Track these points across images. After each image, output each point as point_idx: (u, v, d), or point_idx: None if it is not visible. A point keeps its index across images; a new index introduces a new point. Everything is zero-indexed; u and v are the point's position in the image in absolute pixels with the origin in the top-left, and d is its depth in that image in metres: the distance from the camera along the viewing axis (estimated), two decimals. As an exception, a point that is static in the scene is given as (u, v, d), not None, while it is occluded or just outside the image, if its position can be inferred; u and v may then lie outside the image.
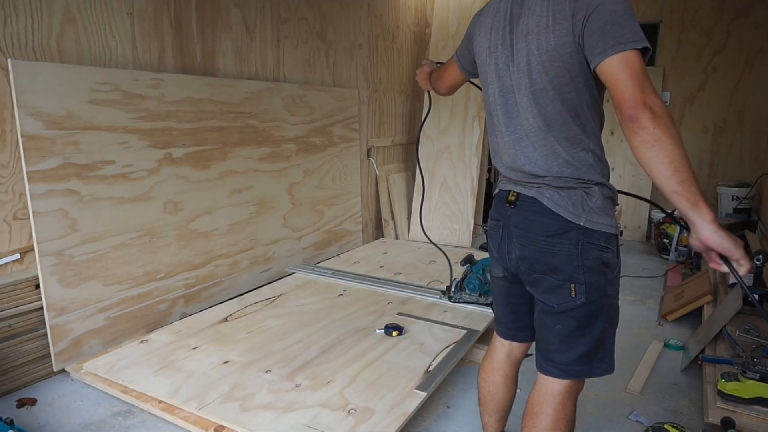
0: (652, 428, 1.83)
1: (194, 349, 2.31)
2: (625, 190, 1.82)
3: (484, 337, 2.67)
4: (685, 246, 4.30)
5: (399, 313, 2.73)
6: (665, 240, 4.55)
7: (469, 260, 2.88)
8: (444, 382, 2.28)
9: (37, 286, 2.22)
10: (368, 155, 4.57)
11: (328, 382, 2.05)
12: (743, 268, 1.09)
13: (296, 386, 2.02)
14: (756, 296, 2.52)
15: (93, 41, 2.40)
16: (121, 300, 2.53)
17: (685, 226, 1.19)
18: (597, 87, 1.26)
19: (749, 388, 1.96)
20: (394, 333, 2.46)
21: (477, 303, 2.81)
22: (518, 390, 2.15)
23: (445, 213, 4.64)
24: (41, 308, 2.24)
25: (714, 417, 1.93)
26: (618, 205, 4.59)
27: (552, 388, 1.40)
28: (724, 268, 1.12)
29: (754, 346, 2.32)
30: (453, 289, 2.88)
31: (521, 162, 1.36)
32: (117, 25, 2.49)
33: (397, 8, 4.81)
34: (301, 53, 3.69)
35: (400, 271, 3.50)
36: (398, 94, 5.03)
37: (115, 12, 2.47)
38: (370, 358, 2.25)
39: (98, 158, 2.40)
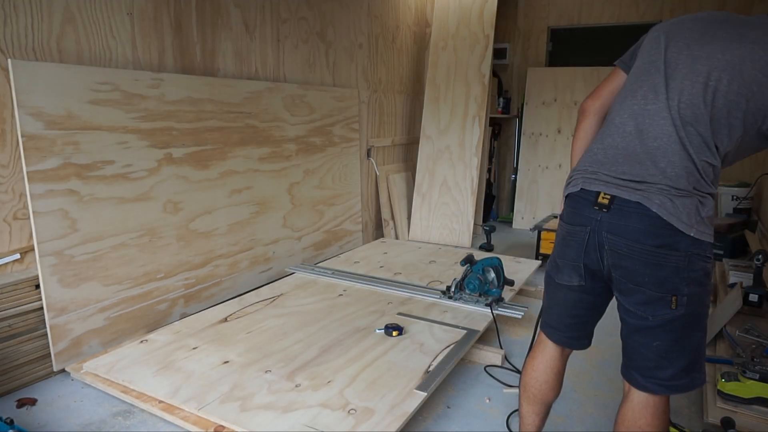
0: (652, 428, 1.83)
1: (194, 349, 2.31)
2: None
3: (484, 338, 2.67)
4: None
5: (399, 313, 2.73)
6: (665, 240, 4.54)
7: (469, 260, 2.88)
8: (444, 382, 2.29)
9: (37, 286, 2.22)
10: (368, 155, 4.57)
11: (328, 382, 2.05)
12: None
13: (296, 386, 2.02)
14: (756, 296, 2.51)
15: (93, 41, 2.40)
16: (121, 300, 2.53)
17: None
18: None
19: (749, 388, 1.96)
20: (394, 333, 2.46)
21: (477, 303, 2.81)
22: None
23: (445, 213, 4.64)
24: (41, 308, 2.24)
25: (714, 417, 1.93)
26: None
27: (652, 402, 1.34)
28: None
29: (754, 346, 2.32)
30: (453, 289, 2.88)
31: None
32: (117, 25, 2.49)
33: (397, 8, 4.81)
34: (301, 53, 3.69)
35: (400, 271, 3.50)
36: (398, 94, 5.03)
37: (115, 12, 2.47)
38: (370, 358, 2.25)
39: (98, 158, 2.40)
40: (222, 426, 1.82)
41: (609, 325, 3.08)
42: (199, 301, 2.95)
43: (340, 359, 2.24)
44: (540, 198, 5.64)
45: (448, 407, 2.16)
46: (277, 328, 2.53)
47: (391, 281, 3.24)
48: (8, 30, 2.10)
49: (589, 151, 1.42)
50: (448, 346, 2.36)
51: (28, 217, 2.19)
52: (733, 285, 3.07)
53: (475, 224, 4.81)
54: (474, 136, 4.61)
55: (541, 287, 3.53)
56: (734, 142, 1.27)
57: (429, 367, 2.17)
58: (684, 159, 1.24)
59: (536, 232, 4.16)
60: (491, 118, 5.56)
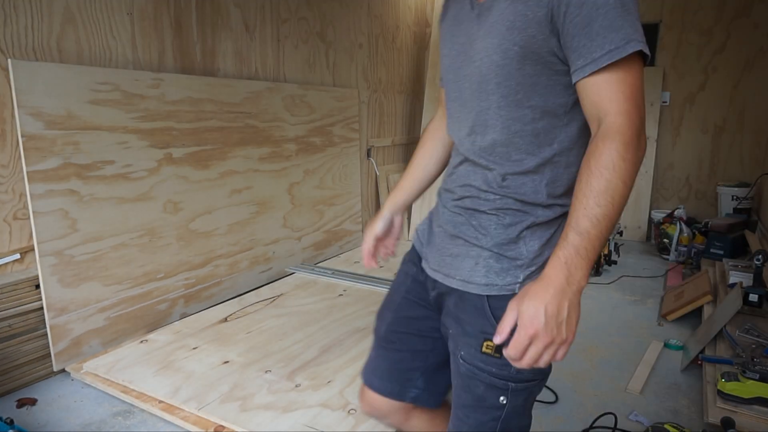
0: (652, 428, 1.83)
1: (194, 349, 2.31)
2: None
3: (484, 337, 2.67)
4: (685, 246, 4.30)
5: (399, 313, 2.73)
6: (665, 240, 4.54)
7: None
8: (444, 382, 2.29)
9: (37, 286, 2.22)
10: (368, 155, 4.57)
11: (328, 382, 2.05)
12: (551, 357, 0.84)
13: (296, 386, 2.02)
14: (756, 296, 2.51)
15: (93, 41, 2.40)
16: (121, 300, 2.53)
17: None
18: None
19: (749, 388, 1.96)
20: (394, 333, 2.46)
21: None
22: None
23: (445, 213, 4.63)
24: (41, 308, 2.24)
25: (714, 417, 1.93)
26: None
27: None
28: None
29: (754, 346, 2.32)
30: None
31: None
32: (117, 25, 2.49)
33: (397, 8, 4.81)
34: (301, 53, 3.69)
35: (400, 271, 3.49)
36: (398, 94, 5.03)
37: (115, 12, 2.47)
38: (370, 358, 2.25)
39: (98, 158, 2.40)
40: (222, 426, 1.82)
41: (609, 325, 3.09)
42: (199, 301, 2.95)
43: (340, 359, 2.24)
44: (540, 198, 5.63)
45: (448, 407, 2.15)
46: (277, 328, 2.53)
47: (391, 281, 3.24)
48: (8, 30, 2.10)
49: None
50: (448, 346, 2.35)
51: (28, 217, 2.19)
52: (733, 285, 3.07)
53: (475, 224, 4.81)
54: (474, 136, 4.60)
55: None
56: None
57: (429, 367, 2.17)
58: None
59: (536, 232, 4.16)
60: (491, 118, 5.55)
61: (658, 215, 4.88)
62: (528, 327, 0.82)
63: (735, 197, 4.63)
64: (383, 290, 3.09)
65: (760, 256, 2.89)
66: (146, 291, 2.64)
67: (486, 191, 1.02)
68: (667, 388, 2.35)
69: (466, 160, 1.07)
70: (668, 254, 4.47)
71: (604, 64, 0.84)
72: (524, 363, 0.83)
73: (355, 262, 3.65)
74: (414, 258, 1.27)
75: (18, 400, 2.11)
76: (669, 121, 5.18)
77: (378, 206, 4.80)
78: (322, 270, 3.41)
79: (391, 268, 3.52)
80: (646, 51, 0.85)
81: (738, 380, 1.98)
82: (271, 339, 2.41)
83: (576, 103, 0.94)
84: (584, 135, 0.97)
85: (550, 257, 0.87)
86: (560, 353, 0.83)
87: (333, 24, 3.97)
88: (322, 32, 3.87)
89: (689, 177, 5.17)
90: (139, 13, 2.58)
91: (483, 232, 1.02)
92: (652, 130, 5.13)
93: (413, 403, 1.23)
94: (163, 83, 2.67)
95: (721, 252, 3.93)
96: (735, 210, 4.58)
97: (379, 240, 1.39)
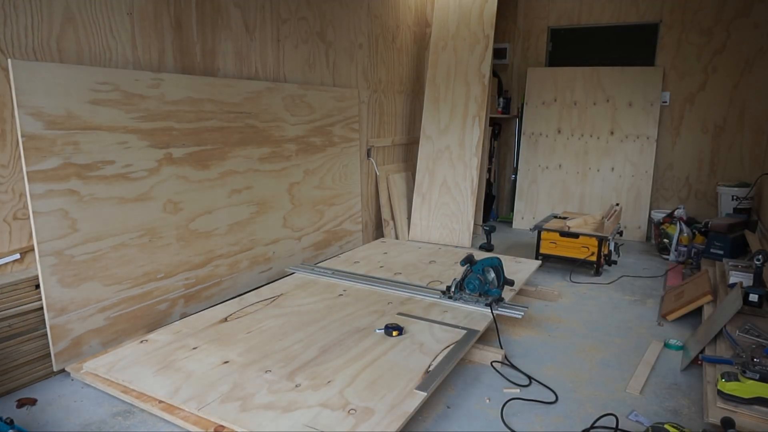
0: (652, 428, 1.83)
1: (194, 349, 2.31)
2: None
3: (484, 337, 2.67)
4: (685, 246, 4.30)
5: (399, 313, 2.73)
6: (665, 240, 4.55)
7: (469, 260, 2.88)
8: (444, 382, 2.29)
9: (37, 286, 2.22)
10: (368, 155, 4.57)
11: (328, 382, 2.05)
12: None
13: (296, 386, 2.02)
14: (756, 296, 2.52)
15: (93, 41, 2.40)
16: (121, 300, 2.53)
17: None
18: None
19: (749, 388, 1.96)
20: (394, 333, 2.46)
21: (477, 303, 2.81)
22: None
23: (445, 213, 4.64)
24: (41, 308, 2.24)
25: (714, 417, 1.93)
26: (618, 204, 4.60)
27: None
28: None
29: (754, 346, 2.32)
30: (453, 289, 2.88)
31: None
32: (117, 25, 2.49)
33: (397, 8, 4.81)
34: (301, 53, 3.69)
35: (400, 271, 3.50)
36: (398, 94, 5.03)
37: (115, 12, 2.47)
38: (370, 358, 2.25)
39: (98, 158, 2.40)
40: (222, 426, 1.82)
41: (609, 325, 3.09)
42: (199, 301, 2.95)
43: (340, 359, 2.24)
44: (540, 198, 5.64)
45: (448, 407, 2.16)
46: (277, 328, 2.53)
47: (391, 281, 3.24)
48: (8, 30, 2.10)
49: None
50: (448, 346, 2.36)
51: (28, 217, 2.19)
52: (733, 285, 3.07)
53: (475, 224, 4.81)
54: (474, 136, 4.61)
55: (542, 287, 3.55)
56: None
57: (429, 367, 2.17)
58: None
59: (536, 232, 4.17)
60: (491, 118, 5.56)
61: (658, 215, 4.88)
62: None
63: (735, 197, 4.63)
64: (383, 290, 3.09)
65: (760, 256, 2.89)
66: (146, 291, 2.64)
67: None
68: (667, 388, 2.35)
69: None
70: (668, 254, 4.47)
71: None
72: None
73: (355, 262, 3.65)
74: None
75: (18, 400, 2.11)
76: (669, 121, 5.18)
77: (378, 206, 4.80)
78: (322, 270, 3.41)
79: (391, 268, 3.53)
80: None
81: (738, 380, 1.98)
82: (271, 339, 2.41)
83: None
84: None
85: None
86: None
87: (333, 24, 3.97)
88: (322, 32, 3.87)
89: (689, 177, 5.17)
90: (139, 13, 2.58)
91: None
92: (652, 130, 5.13)
93: None
94: (163, 83, 2.66)
95: (721, 252, 3.94)
96: (735, 210, 4.58)
97: None
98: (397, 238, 4.80)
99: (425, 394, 1.97)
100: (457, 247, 4.43)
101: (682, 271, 4.07)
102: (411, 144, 5.28)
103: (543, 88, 5.57)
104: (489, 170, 5.91)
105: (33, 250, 2.23)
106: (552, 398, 2.24)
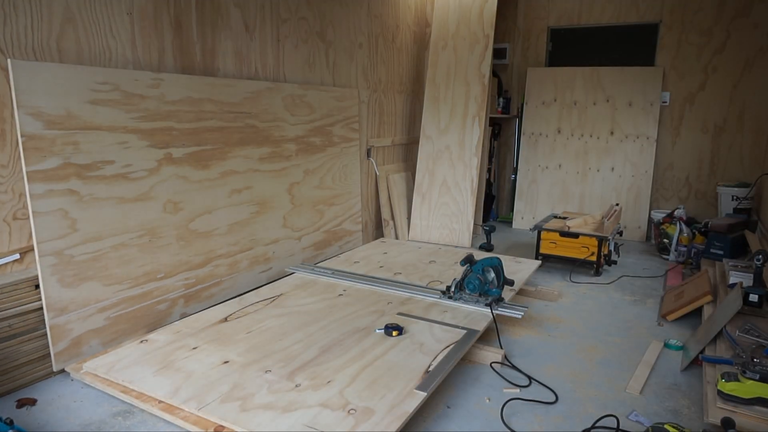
0: (652, 428, 1.83)
1: (194, 349, 2.31)
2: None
3: (484, 337, 2.67)
4: (685, 246, 4.30)
5: (399, 313, 2.73)
6: (665, 240, 4.55)
7: (469, 260, 2.88)
8: (444, 382, 2.29)
9: (37, 286, 2.22)
10: (368, 155, 4.57)
11: (328, 382, 2.05)
12: None
13: (296, 386, 2.02)
14: (756, 296, 2.52)
15: (93, 41, 2.40)
16: (121, 300, 2.53)
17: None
18: None
19: (749, 388, 1.96)
20: (394, 333, 2.46)
21: (476, 303, 2.81)
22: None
23: (445, 213, 4.64)
24: (41, 308, 2.24)
25: (714, 417, 1.93)
26: (618, 204, 4.60)
27: None
28: None
29: (754, 346, 2.32)
30: (453, 289, 2.88)
31: None
32: (117, 25, 2.49)
33: (397, 8, 4.81)
34: (301, 53, 3.69)
35: (400, 271, 3.50)
36: (398, 93, 5.03)
37: (115, 12, 2.47)
38: (370, 358, 2.25)
39: (98, 158, 2.40)
40: (222, 426, 1.82)
41: (609, 324, 3.09)
42: (199, 301, 2.95)
43: (340, 359, 2.24)
44: (540, 198, 5.64)
45: (448, 407, 2.16)
46: (277, 328, 2.53)
47: (391, 281, 3.24)
48: (8, 30, 2.10)
49: None
50: (448, 346, 2.36)
51: (28, 217, 2.19)
52: (733, 285, 3.07)
53: (475, 224, 4.81)
54: (474, 136, 4.61)
55: (542, 287, 3.55)
56: None
57: (429, 367, 2.17)
58: None
59: (536, 232, 4.17)
60: (491, 118, 5.56)
61: (658, 215, 4.88)
62: None
63: (735, 197, 4.63)
64: (383, 290, 3.09)
65: (760, 256, 2.89)
66: (146, 291, 2.64)
67: None
68: (667, 388, 2.35)
69: None
70: (668, 254, 4.47)
71: None
72: None
73: (355, 262, 3.65)
74: None
75: (18, 400, 2.11)
76: (669, 121, 5.18)
77: (378, 206, 4.80)
78: (322, 270, 3.41)
79: (390, 268, 3.53)
80: None
81: (738, 380, 1.98)
82: (271, 339, 2.41)
83: None
84: None
85: None
86: None
87: (333, 24, 3.97)
88: (322, 32, 3.87)
89: (689, 177, 5.18)
90: (139, 13, 2.58)
91: None
92: (652, 130, 5.13)
93: None
94: (163, 83, 2.66)
95: (721, 252, 3.94)
96: (735, 210, 4.58)
97: None
98: (397, 238, 4.80)
99: (425, 394, 1.97)
100: (457, 247, 4.43)
101: (682, 271, 4.07)
102: (411, 144, 5.28)
103: (543, 88, 5.57)
104: (489, 170, 5.92)
105: (33, 250, 2.23)
106: (552, 398, 2.24)
